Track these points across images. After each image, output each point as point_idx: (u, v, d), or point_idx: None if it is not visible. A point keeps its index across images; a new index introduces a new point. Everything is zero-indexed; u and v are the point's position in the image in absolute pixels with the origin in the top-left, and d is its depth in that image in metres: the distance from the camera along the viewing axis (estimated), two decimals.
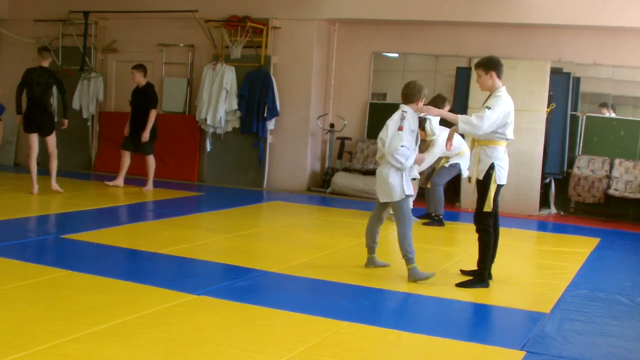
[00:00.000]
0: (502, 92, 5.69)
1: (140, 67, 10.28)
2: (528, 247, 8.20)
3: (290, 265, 6.09)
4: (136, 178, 11.34)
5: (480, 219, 5.73)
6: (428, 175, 8.88)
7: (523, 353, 4.14)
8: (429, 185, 8.86)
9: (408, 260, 5.77)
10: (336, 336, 4.26)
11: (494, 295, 5.55)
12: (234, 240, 7.23)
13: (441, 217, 8.71)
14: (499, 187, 5.70)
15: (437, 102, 8.48)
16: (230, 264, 6.07)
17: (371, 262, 6.17)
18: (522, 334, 4.54)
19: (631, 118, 10.59)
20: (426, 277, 5.73)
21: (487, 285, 5.69)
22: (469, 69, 10.95)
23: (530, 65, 10.46)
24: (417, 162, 5.92)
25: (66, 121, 9.66)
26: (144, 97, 10.16)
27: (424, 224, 8.68)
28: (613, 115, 10.69)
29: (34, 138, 9.35)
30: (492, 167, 5.63)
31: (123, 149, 10.46)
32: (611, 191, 10.15)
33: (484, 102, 5.77)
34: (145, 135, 10.12)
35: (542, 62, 10.43)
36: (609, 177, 10.31)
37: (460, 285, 5.68)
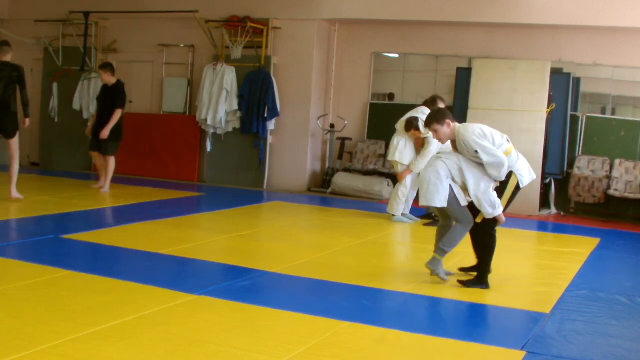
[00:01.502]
0: (461, 128, 5.64)
1: (107, 66, 10.01)
2: (528, 247, 8.20)
3: (290, 265, 6.09)
4: (131, 178, 11.36)
5: (486, 222, 5.71)
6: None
7: (523, 353, 4.14)
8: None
9: (440, 251, 5.70)
10: (336, 336, 4.25)
11: (494, 295, 5.54)
12: (234, 240, 7.23)
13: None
14: (518, 190, 5.72)
15: (428, 104, 8.53)
16: (230, 264, 6.07)
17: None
18: (522, 334, 4.54)
19: (631, 118, 10.58)
20: (442, 276, 5.70)
21: (487, 287, 5.69)
22: (469, 69, 10.95)
23: (530, 65, 10.46)
24: (499, 220, 5.75)
25: (27, 120, 8.76)
26: (112, 96, 9.88)
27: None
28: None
29: None
30: (509, 175, 5.64)
31: (90, 150, 10.24)
32: (611, 191, 10.15)
33: (454, 147, 5.76)
34: (105, 133, 9.70)
35: (542, 62, 10.43)
36: (608, 177, 10.31)
37: (461, 282, 5.69)
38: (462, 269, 6.07)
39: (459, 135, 5.63)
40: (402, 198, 8.74)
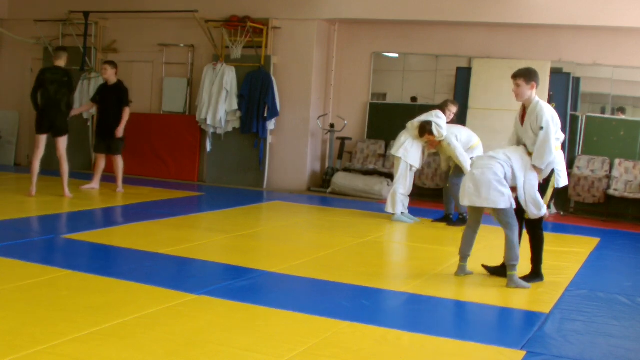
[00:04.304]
0: (542, 103, 5.78)
1: (114, 63, 10.06)
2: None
3: (290, 265, 6.09)
4: (131, 178, 11.35)
5: (534, 221, 5.81)
6: (445, 174, 8.87)
7: (523, 353, 4.14)
8: (447, 185, 8.80)
9: (511, 267, 5.71)
10: (336, 336, 4.25)
11: (494, 295, 5.55)
12: (234, 240, 7.23)
13: (452, 215, 8.70)
14: (557, 190, 5.84)
15: (441, 107, 8.61)
16: (230, 264, 6.07)
17: (462, 270, 5.99)
18: (522, 334, 4.54)
19: (631, 118, 10.59)
20: (525, 286, 5.71)
21: (542, 279, 5.89)
22: (469, 69, 10.96)
23: (530, 65, 10.43)
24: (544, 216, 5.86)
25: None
26: (117, 95, 9.84)
27: (448, 224, 8.67)
28: (622, 117, 10.66)
29: (43, 139, 9.13)
30: (551, 174, 5.75)
31: (96, 152, 10.26)
32: (611, 191, 10.15)
33: (523, 117, 5.81)
34: (120, 131, 9.75)
35: (542, 62, 10.43)
36: (609, 177, 10.31)
37: (521, 279, 5.79)
38: (486, 268, 6.10)
39: (538, 107, 5.72)
40: (400, 196, 8.74)
